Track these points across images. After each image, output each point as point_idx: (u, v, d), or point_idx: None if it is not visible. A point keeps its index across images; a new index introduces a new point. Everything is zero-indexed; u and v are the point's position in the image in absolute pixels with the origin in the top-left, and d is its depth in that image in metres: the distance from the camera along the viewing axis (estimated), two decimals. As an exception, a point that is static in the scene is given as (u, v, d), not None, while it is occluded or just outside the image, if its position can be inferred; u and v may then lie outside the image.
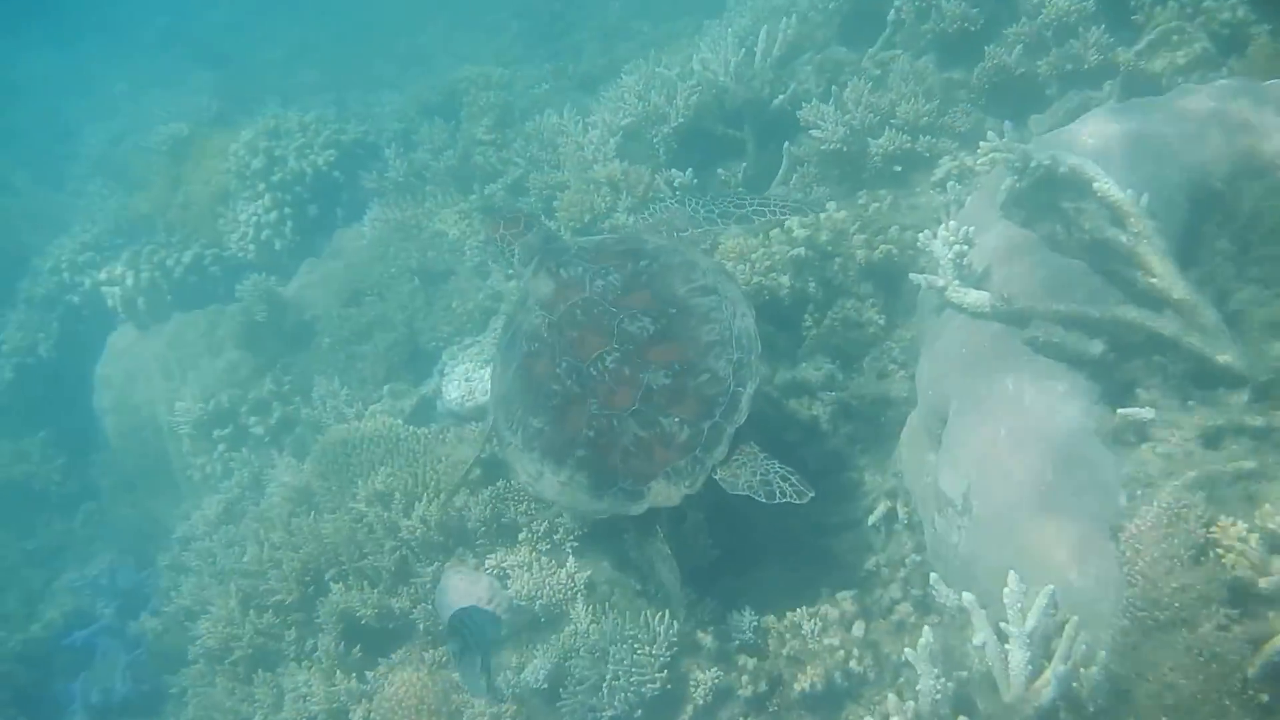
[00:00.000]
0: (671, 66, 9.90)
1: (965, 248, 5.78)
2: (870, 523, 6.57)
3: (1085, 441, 5.10)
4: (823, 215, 7.59)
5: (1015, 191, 5.91)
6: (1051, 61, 7.67)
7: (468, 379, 8.17)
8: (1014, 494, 5.13)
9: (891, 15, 8.79)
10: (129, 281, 11.87)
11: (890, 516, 6.56)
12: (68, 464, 13.55)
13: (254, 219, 11.64)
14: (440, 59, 17.76)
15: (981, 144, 5.89)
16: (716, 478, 5.50)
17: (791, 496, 5.35)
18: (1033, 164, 5.69)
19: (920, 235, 6.15)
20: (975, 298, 5.73)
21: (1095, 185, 5.46)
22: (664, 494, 5.43)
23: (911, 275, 6.12)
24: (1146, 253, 5.26)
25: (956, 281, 5.83)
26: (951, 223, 5.80)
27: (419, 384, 9.59)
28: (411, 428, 8.39)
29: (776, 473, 5.41)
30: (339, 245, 11.39)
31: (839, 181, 8.26)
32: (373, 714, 6.62)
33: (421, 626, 6.98)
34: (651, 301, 5.86)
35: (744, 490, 5.42)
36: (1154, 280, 5.23)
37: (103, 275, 12.17)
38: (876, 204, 7.71)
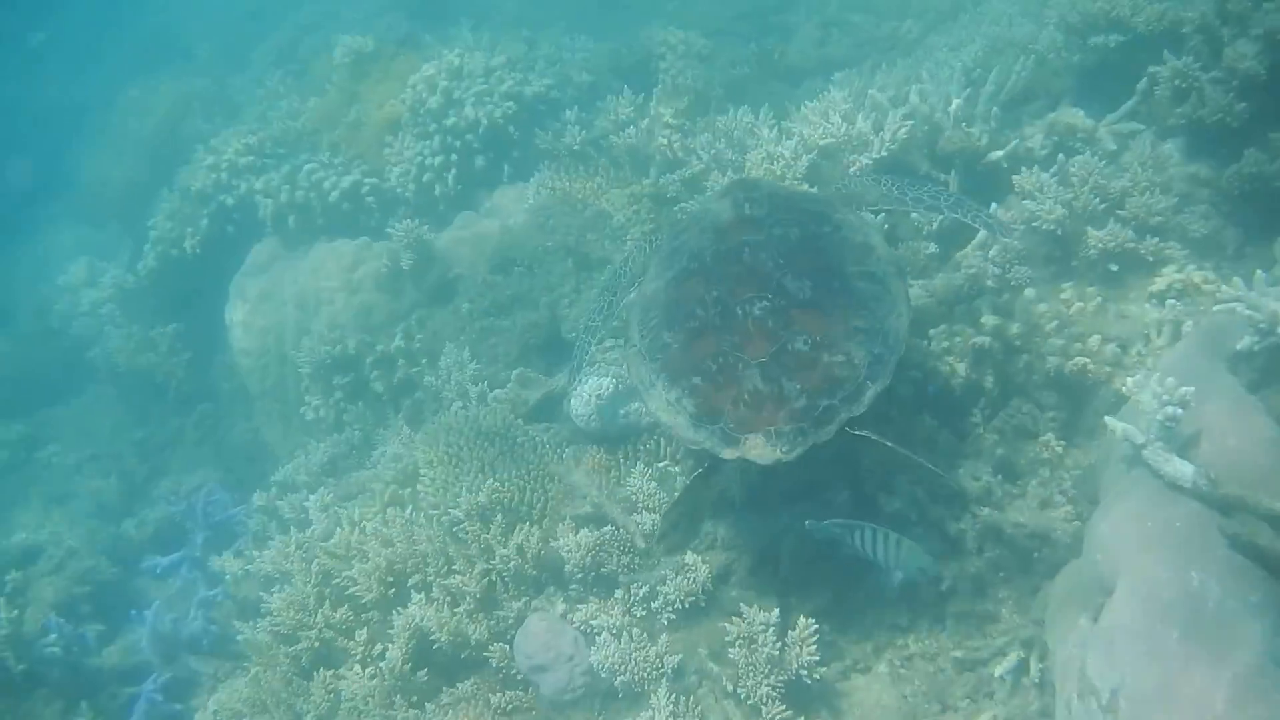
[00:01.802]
0: (886, 88, 9.24)
1: (1178, 411, 5.11)
2: (997, 673, 6.00)
3: (1272, 674, 4.46)
4: (1018, 302, 6.98)
5: (1250, 351, 5.22)
6: (1319, 182, 6.86)
7: (599, 395, 7.72)
8: (1172, 717, 4.52)
9: (1142, 84, 7.99)
10: (283, 196, 11.75)
11: (1021, 669, 5.99)
12: (192, 362, 13.67)
13: (419, 159, 11.36)
14: (644, 7, 17.18)
15: (1223, 290, 5.22)
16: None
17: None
18: None
19: (1130, 380, 5.49)
20: (1177, 468, 5.10)
21: (1347, 371, 4.78)
22: (759, 449, 5.40)
23: (1108, 420, 5.49)
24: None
25: (1160, 443, 5.19)
26: (1169, 379, 5.14)
27: (550, 373, 9.22)
28: (531, 431, 8.08)
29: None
30: (499, 204, 11.04)
31: (1044, 264, 7.56)
32: (423, 755, 6.36)
33: (494, 664, 6.67)
34: (818, 268, 5.86)
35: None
36: (1396, 503, 4.54)
37: (259, 184, 12.07)
38: (1081, 304, 7.04)
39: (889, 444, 5.59)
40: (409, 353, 10.06)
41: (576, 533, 6.85)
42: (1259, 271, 5.37)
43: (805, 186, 8.57)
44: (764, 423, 5.42)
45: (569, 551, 6.71)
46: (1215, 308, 5.34)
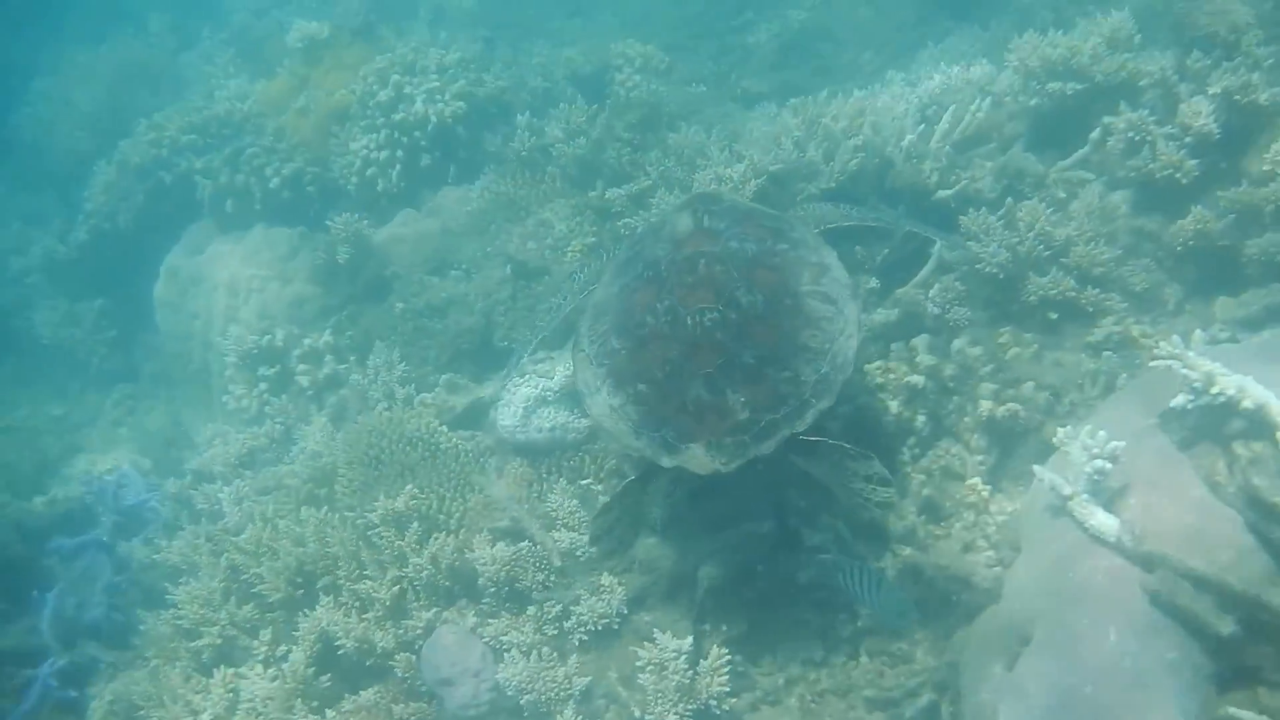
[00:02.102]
0: (840, 118, 9.20)
1: (1107, 465, 5.09)
2: (908, 715, 5.95)
3: (1182, 734, 4.45)
4: (954, 344, 6.96)
5: (1183, 409, 5.21)
6: (1263, 245, 6.86)
7: (526, 409, 7.60)
8: (1082, 774, 4.50)
9: (1096, 134, 8.00)
10: (223, 178, 11.54)
11: (932, 711, 5.95)
12: (116, 340, 13.43)
13: (364, 152, 11.16)
14: (606, 16, 17.12)
15: (1160, 347, 5.20)
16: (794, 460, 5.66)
17: (866, 506, 5.68)
18: (1215, 391, 4.98)
19: (1061, 430, 5.47)
20: (1102, 522, 5.09)
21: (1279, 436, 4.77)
22: (698, 460, 5.41)
23: (1036, 468, 5.46)
24: (1317, 539, 4.56)
25: (1086, 496, 5.17)
26: (1100, 433, 5.11)
27: (480, 381, 9.09)
28: (456, 438, 7.95)
29: (860, 475, 5.60)
30: (441, 204, 10.86)
31: (983, 306, 7.54)
32: (317, 762, 6.20)
33: (400, 673, 6.53)
34: (773, 283, 5.88)
35: (818, 475, 5.70)
36: (1316, 572, 4.53)
37: (200, 163, 11.82)
38: (1018, 349, 7.02)
39: (847, 446, 5.58)
40: (338, 348, 9.89)
41: (493, 546, 6.74)
42: (1198, 331, 5.37)
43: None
44: (705, 433, 5.42)
45: (484, 564, 6.59)
46: (1151, 364, 5.29)
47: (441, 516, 7.19)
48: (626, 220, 9.49)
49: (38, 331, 13.64)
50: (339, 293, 10.60)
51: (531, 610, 6.51)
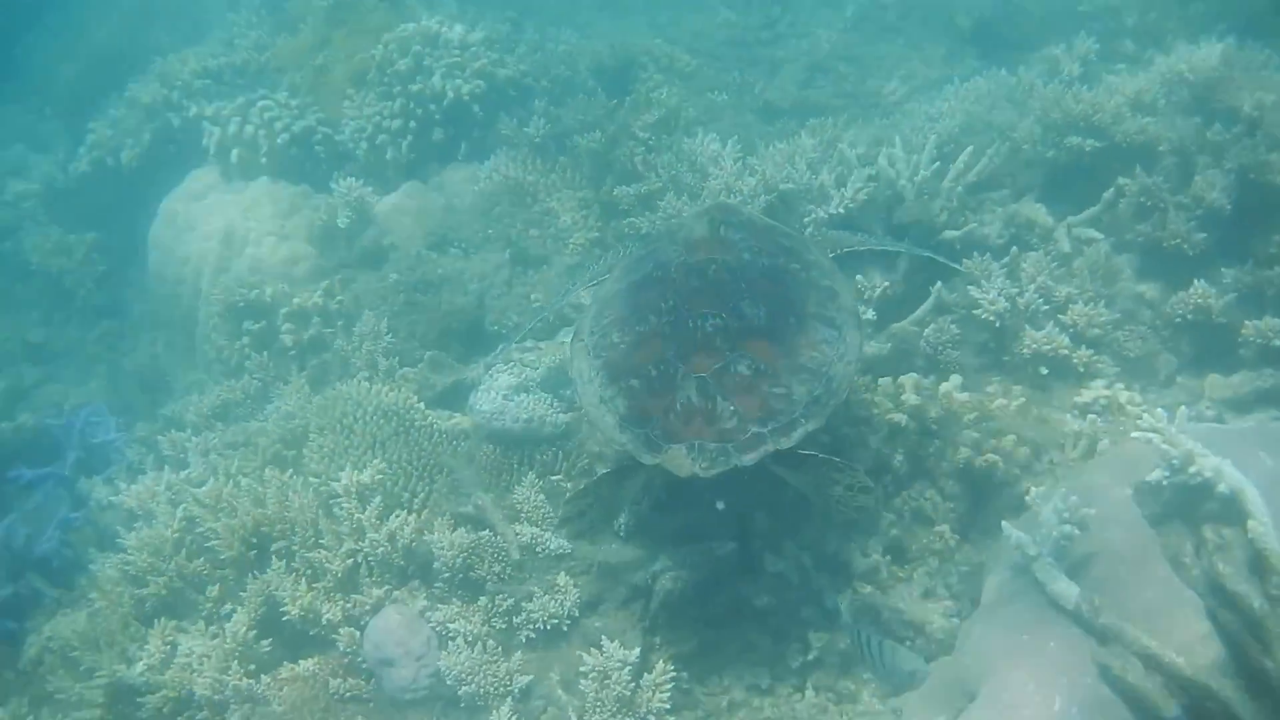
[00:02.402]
0: (857, 144, 9.19)
1: (1075, 531, 5.07)
2: (847, 768, 5.94)
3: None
4: (942, 387, 6.94)
5: (1158, 484, 5.19)
6: (1260, 328, 6.85)
7: (505, 396, 7.56)
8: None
9: (1109, 194, 7.98)
10: (232, 128, 11.44)
11: (872, 757, 5.94)
12: (106, 275, 13.34)
13: (376, 119, 11.12)
14: (637, 14, 17.11)
15: (1144, 418, 5.17)
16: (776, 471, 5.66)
17: (846, 512, 5.75)
18: (1191, 472, 4.97)
19: (1034, 489, 5.45)
20: (1063, 588, 5.06)
21: (1250, 525, 4.75)
22: (678, 461, 5.35)
23: (1005, 524, 5.42)
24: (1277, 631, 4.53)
25: (1050, 560, 5.14)
26: (1073, 498, 5.09)
27: (466, 362, 9.05)
28: (432, 416, 7.90)
29: (840, 484, 5.64)
30: (449, 180, 10.82)
31: (976, 353, 7.54)
32: (248, 726, 6.15)
33: (342, 647, 6.47)
34: (780, 300, 5.89)
35: (799, 485, 5.76)
36: (1269, 665, 4.50)
37: (210, 110, 11.74)
38: (1004, 400, 6.99)
39: (835, 459, 5.60)
40: (326, 311, 9.81)
41: (453, 531, 6.68)
42: (1183, 407, 5.33)
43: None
44: (690, 435, 5.38)
45: (441, 549, 6.53)
46: (1133, 434, 5.27)
47: (406, 495, 7.15)
48: (632, 220, 9.48)
49: (26, 256, 13.52)
50: (334, 256, 10.54)
51: (483, 601, 6.44)
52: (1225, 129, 7.67)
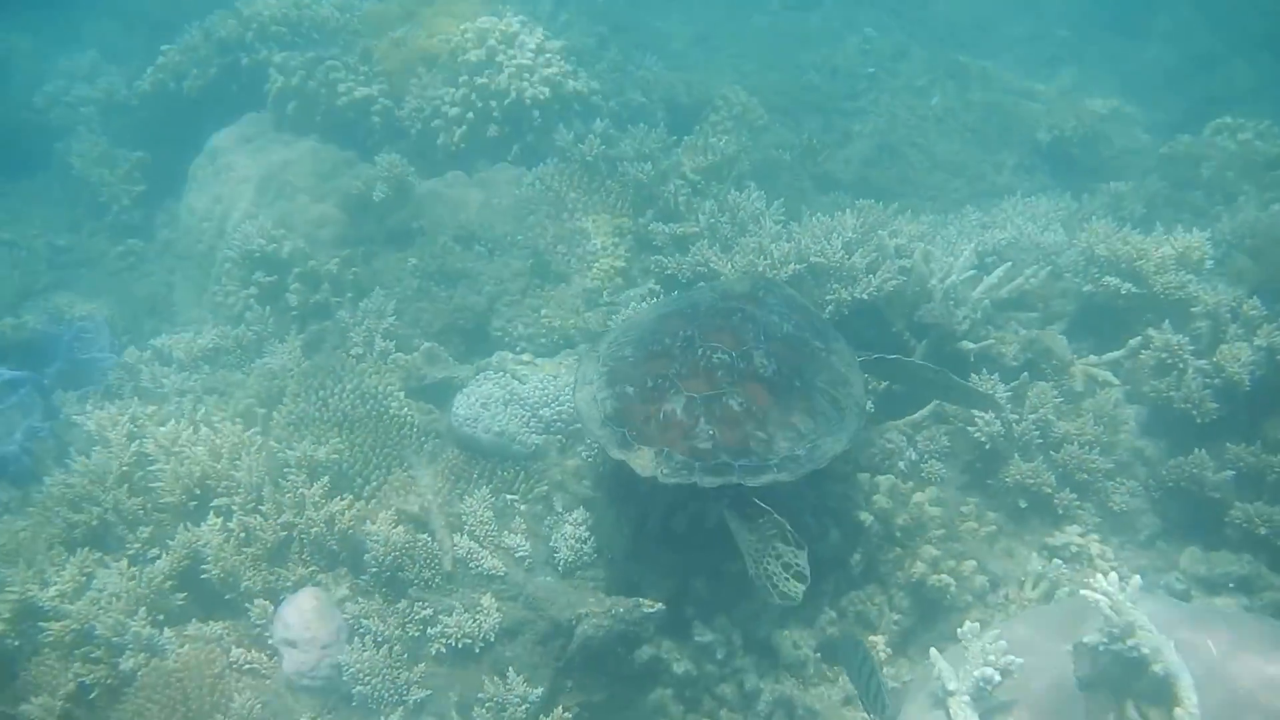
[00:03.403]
0: (900, 233, 9.08)
1: (996, 676, 4.93)
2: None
3: None
4: (915, 497, 6.82)
5: (1095, 648, 5.05)
6: (1250, 512, 6.72)
7: (485, 406, 7.50)
8: None
9: (1134, 341, 7.86)
10: (295, 80, 11.49)
11: None
12: (142, 196, 13.35)
13: (435, 103, 11.13)
14: (726, 56, 17.12)
15: (1099, 579, 5.04)
16: (727, 517, 5.77)
17: (771, 592, 5.56)
18: (1130, 644, 4.83)
19: (966, 624, 5.32)
20: (972, 731, 4.91)
21: (1176, 714, 4.62)
22: (643, 460, 5.61)
23: (933, 651, 5.31)
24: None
25: (967, 698, 5.02)
26: (1002, 642, 4.96)
27: (462, 361, 9.00)
28: (412, 408, 7.83)
29: (781, 560, 5.57)
30: (493, 178, 10.77)
31: (962, 469, 7.42)
32: (140, 675, 6.08)
33: (254, 618, 6.39)
34: (792, 364, 6.16)
35: (742, 543, 5.67)
36: None
37: (278, 58, 11.77)
38: (975, 525, 6.88)
39: (788, 528, 5.62)
40: (338, 280, 9.79)
41: (394, 527, 6.61)
42: (1137, 577, 5.18)
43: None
44: (663, 443, 5.64)
45: (375, 542, 6.46)
46: (1083, 592, 5.14)
47: (359, 480, 7.09)
48: (660, 258, 9.39)
49: (71, 161, 13.60)
50: (362, 228, 10.51)
51: (402, 604, 6.37)
52: (1266, 305, 7.54)
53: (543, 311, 9.21)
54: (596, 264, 9.68)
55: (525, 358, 8.88)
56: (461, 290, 9.53)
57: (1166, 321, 7.60)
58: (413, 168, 10.65)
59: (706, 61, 16.77)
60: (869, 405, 7.61)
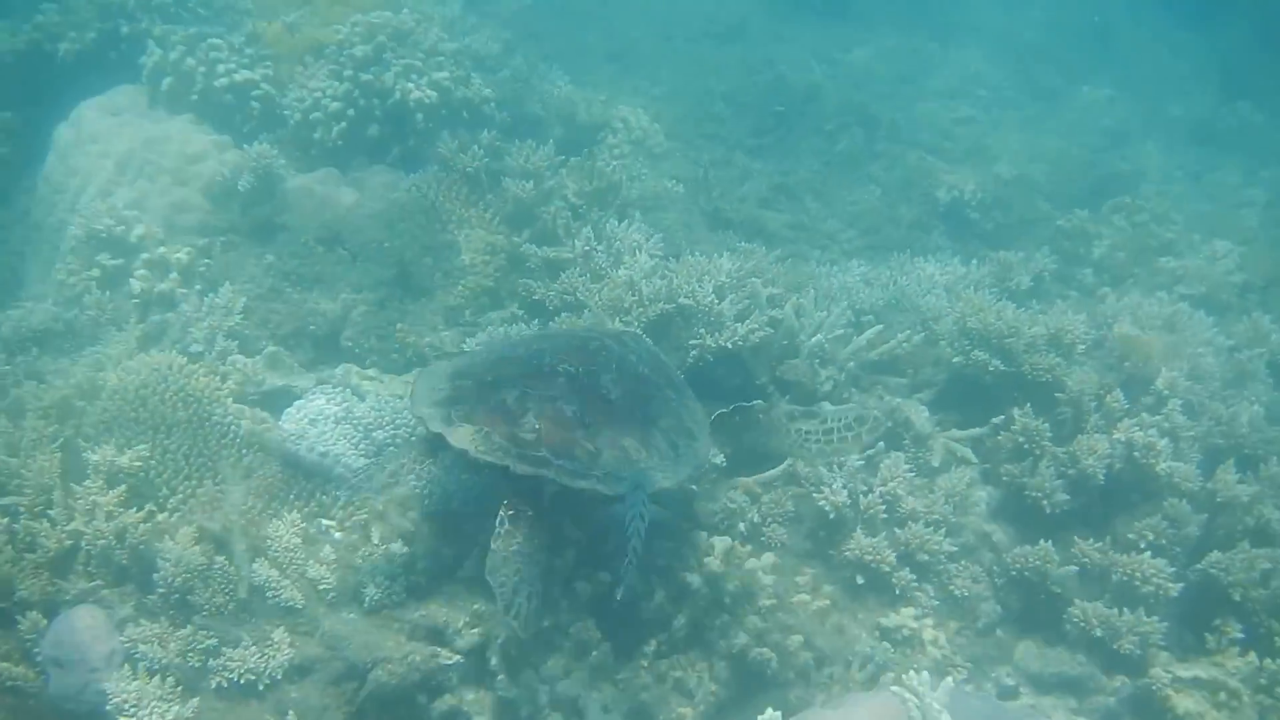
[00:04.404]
0: (777, 281, 8.88)
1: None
2: None
3: None
4: (749, 563, 6.59)
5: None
6: (1088, 613, 6.62)
7: (313, 422, 7.17)
8: None
9: (998, 420, 7.76)
10: (173, 55, 11.00)
11: None
12: (4, 158, 12.72)
13: (316, 95, 10.75)
14: (636, 77, 16.95)
15: (910, 675, 4.85)
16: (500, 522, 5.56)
17: (508, 612, 5.42)
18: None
19: (769, 711, 5.10)
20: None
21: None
22: (461, 435, 5.59)
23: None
24: None
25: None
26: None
27: (309, 369, 8.67)
28: (235, 414, 7.46)
29: (524, 582, 5.45)
30: (368, 179, 10.43)
31: (804, 536, 7.18)
32: None
33: (23, 631, 6.01)
34: (638, 396, 6.20)
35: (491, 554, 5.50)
36: None
37: (159, 30, 11.32)
38: (806, 597, 6.66)
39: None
40: (189, 271, 9.38)
41: (192, 545, 6.23)
42: (948, 679, 5.00)
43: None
44: (485, 425, 5.61)
45: (167, 561, 6.09)
46: (894, 687, 4.94)
47: (164, 491, 6.73)
48: (527, 282, 9.12)
49: (-73, 114, 13.00)
50: (225, 218, 10.09)
51: (187, 631, 5.99)
52: (1129, 397, 7.46)
53: (398, 325, 8.90)
54: (463, 281, 9.40)
55: (371, 373, 8.57)
56: (317, 294, 9.21)
57: (1028, 405, 7.48)
58: (284, 160, 10.30)
59: (618, 80, 16.55)
60: (720, 458, 7.40)
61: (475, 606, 6.18)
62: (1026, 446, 7.31)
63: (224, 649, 5.91)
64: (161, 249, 9.36)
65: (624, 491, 5.55)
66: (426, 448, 6.19)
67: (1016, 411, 7.55)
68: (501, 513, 5.56)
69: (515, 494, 5.61)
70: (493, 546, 5.49)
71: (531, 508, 5.61)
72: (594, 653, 6.09)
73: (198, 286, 9.33)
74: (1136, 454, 7.03)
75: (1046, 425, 7.36)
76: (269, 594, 6.21)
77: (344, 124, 10.66)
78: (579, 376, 6.03)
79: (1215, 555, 6.77)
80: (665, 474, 5.87)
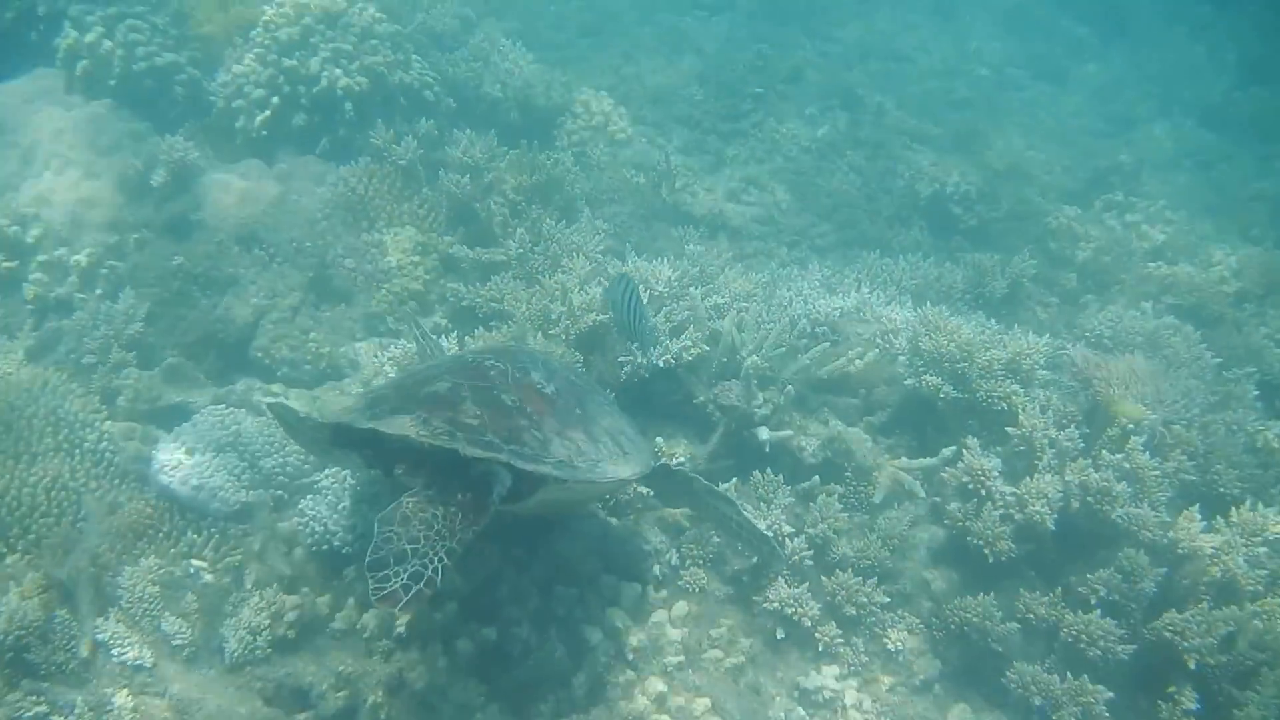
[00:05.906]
0: (717, 292, 8.39)
1: None
2: None
3: None
4: (656, 615, 6.16)
5: None
6: (1026, 676, 6.15)
7: (190, 451, 6.73)
8: None
9: (948, 452, 7.21)
10: (89, 36, 10.52)
11: None
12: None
13: (241, 81, 10.25)
14: (610, 53, 16.39)
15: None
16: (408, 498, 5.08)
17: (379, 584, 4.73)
18: None
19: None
20: None
21: None
22: (398, 424, 5.19)
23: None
24: None
25: None
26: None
27: (217, 383, 8.25)
28: (116, 434, 7.07)
29: (425, 557, 4.82)
30: (293, 172, 9.94)
31: (726, 580, 6.69)
32: None
33: None
34: (574, 394, 5.96)
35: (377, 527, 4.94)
36: None
37: (74, 10, 10.81)
38: (719, 653, 6.22)
39: None
40: (90, 275, 8.93)
41: (36, 594, 5.79)
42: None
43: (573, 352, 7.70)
44: (422, 413, 5.23)
45: (1, 616, 5.64)
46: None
47: (14, 530, 6.26)
48: (455, 286, 8.68)
49: None
50: (137, 214, 9.59)
51: (15, 696, 5.54)
52: (1093, 428, 6.97)
53: (311, 334, 8.45)
54: (388, 284, 8.96)
55: (275, 388, 8.11)
56: (228, 300, 8.77)
57: (975, 440, 6.97)
58: (207, 151, 9.85)
59: (589, 57, 16.04)
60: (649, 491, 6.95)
61: (342, 668, 5.74)
62: (973, 487, 6.81)
63: (53, 717, 5.47)
64: (59, 250, 8.89)
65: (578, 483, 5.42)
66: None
67: (968, 444, 7.05)
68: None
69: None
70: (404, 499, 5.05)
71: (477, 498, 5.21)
72: (478, 716, 5.65)
73: (98, 291, 8.89)
74: (1090, 499, 6.53)
75: (998, 461, 6.86)
76: (114, 651, 5.78)
77: (268, 112, 10.19)
78: (509, 372, 5.73)
79: (1171, 615, 6.25)
80: (618, 466, 5.59)
